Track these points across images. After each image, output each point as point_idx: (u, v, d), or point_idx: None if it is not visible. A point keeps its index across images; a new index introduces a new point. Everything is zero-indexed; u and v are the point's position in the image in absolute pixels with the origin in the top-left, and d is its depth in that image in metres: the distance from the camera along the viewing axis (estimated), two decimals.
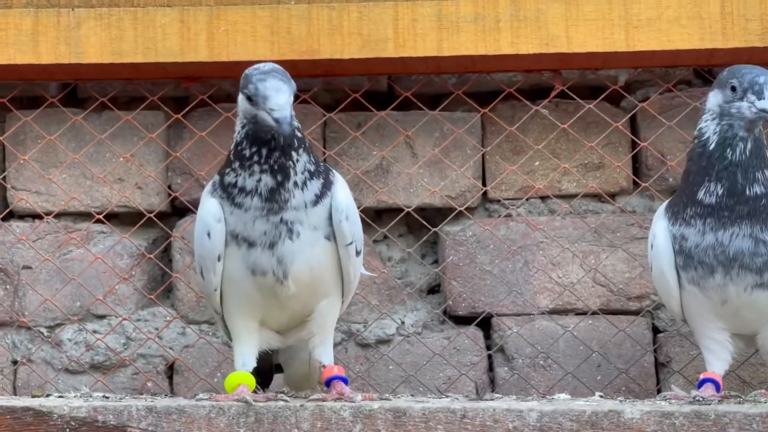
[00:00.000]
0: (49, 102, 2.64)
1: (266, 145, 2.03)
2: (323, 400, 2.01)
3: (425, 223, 2.66)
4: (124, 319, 2.65)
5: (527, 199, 2.69)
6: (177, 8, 2.52)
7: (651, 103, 2.64)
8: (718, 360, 2.19)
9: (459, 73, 2.65)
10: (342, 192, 2.11)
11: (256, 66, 2.08)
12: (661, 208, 2.24)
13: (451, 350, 2.64)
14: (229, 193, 2.07)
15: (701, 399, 2.03)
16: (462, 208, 2.64)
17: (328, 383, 2.12)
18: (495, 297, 2.65)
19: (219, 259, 2.09)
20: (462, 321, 2.67)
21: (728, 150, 2.11)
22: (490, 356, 2.67)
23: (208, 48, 2.51)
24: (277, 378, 2.43)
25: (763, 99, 2.07)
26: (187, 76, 2.60)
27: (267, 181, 2.03)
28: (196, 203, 2.57)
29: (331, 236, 2.10)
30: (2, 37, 2.52)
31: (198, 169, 2.65)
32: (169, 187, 2.70)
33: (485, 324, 2.67)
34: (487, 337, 2.68)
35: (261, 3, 2.53)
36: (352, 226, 2.12)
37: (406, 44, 2.50)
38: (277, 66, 2.07)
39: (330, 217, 2.09)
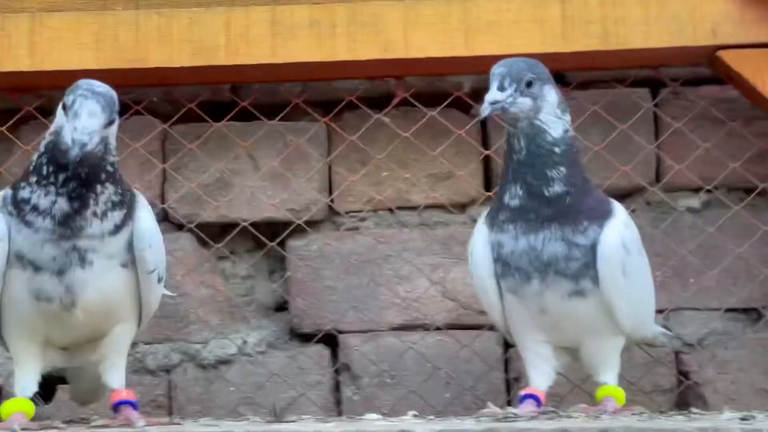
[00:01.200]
0: None
1: (63, 171, 1.87)
2: (107, 427, 1.89)
3: (266, 238, 2.55)
4: None
5: (376, 212, 2.60)
6: None
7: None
8: (540, 375, 2.09)
9: (299, 82, 2.55)
10: (145, 220, 1.97)
11: (93, 81, 1.93)
12: (483, 215, 2.13)
13: (295, 369, 2.54)
14: (20, 209, 1.90)
15: (512, 416, 1.94)
16: (301, 222, 2.55)
17: (116, 407, 1.99)
18: (341, 313, 2.55)
19: None
20: (308, 339, 2.57)
21: (513, 150, 2.02)
22: (336, 375, 2.56)
23: (29, 57, 2.39)
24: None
25: (491, 90, 1.98)
26: (11, 86, 2.47)
27: (62, 205, 1.88)
28: None
29: (129, 263, 1.96)
30: None
31: None
32: None
33: (332, 342, 2.57)
34: (334, 355, 2.58)
35: (86, 9, 2.41)
36: (154, 254, 1.98)
37: (239, 51, 2.39)
38: (111, 92, 1.91)
39: (129, 245, 1.95)
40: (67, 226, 1.88)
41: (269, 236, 2.57)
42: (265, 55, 2.40)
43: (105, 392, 2.09)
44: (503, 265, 2.04)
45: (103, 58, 2.39)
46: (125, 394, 1.99)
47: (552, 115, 2.01)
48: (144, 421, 1.92)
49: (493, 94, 1.97)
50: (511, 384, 2.55)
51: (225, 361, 2.56)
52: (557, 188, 1.99)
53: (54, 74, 2.40)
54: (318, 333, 2.55)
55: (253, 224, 2.55)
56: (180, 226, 2.58)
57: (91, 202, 1.89)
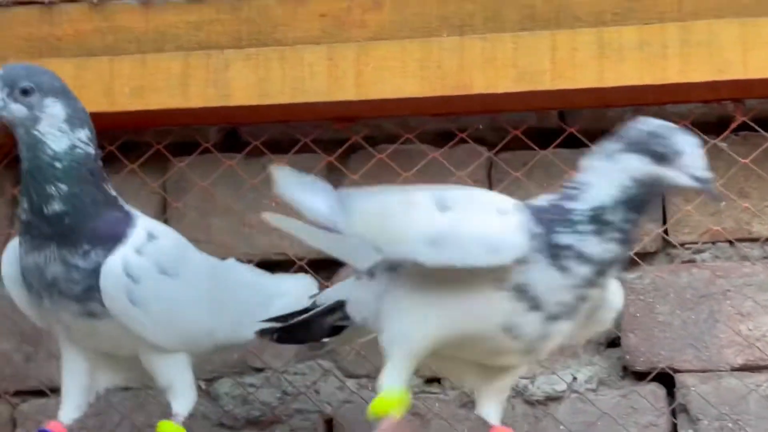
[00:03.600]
0: (203, 147, 2.56)
1: None
2: None
3: None
4: (281, 372, 2.54)
5: (713, 243, 2.44)
6: (324, 45, 2.40)
7: None
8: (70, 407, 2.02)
9: (627, 106, 2.42)
10: None
11: None
12: None
13: (627, 409, 2.41)
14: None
15: None
16: (632, 254, 2.40)
17: None
18: (677, 351, 2.41)
19: None
20: (641, 377, 2.44)
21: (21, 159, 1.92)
22: (672, 417, 2.42)
23: (356, 86, 2.38)
24: None
25: None
26: (337, 116, 2.47)
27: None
28: None
29: None
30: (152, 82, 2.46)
31: None
32: None
33: (668, 381, 2.43)
34: (670, 395, 2.44)
35: (411, 37, 2.39)
36: None
37: (565, 75, 2.30)
38: None
39: None
40: None
41: None
42: (592, 80, 2.29)
43: None
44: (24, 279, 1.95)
45: (428, 85, 2.35)
46: None
47: (55, 128, 1.89)
48: None
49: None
50: None
51: (554, 398, 2.46)
52: (56, 206, 1.87)
53: (379, 103, 2.38)
54: (652, 371, 2.42)
55: None
56: None
57: None
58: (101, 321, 1.95)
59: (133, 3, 2.52)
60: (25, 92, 1.91)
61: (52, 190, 1.90)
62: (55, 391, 2.53)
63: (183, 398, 2.06)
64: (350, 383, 2.54)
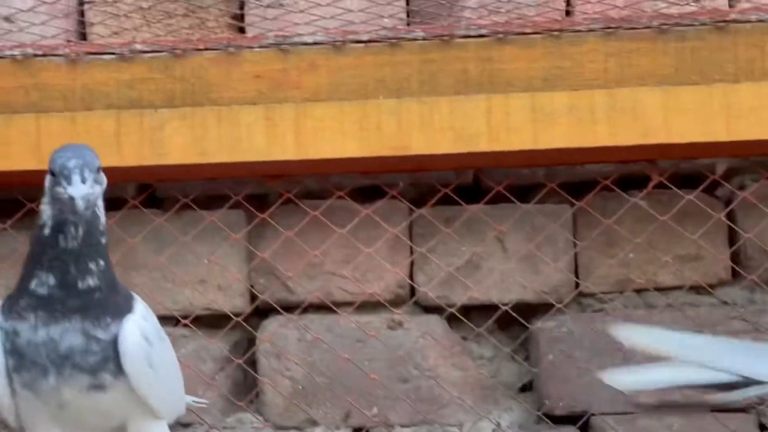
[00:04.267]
0: (130, 204, 2.56)
1: None
2: None
3: (520, 319, 2.57)
4: (212, 427, 2.56)
5: (622, 293, 2.61)
6: (262, 105, 2.45)
7: (750, 192, 2.56)
8: None
9: (551, 166, 2.57)
10: None
11: None
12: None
13: None
14: None
15: None
16: (561, 306, 2.55)
17: None
18: (594, 395, 2.55)
19: None
20: (559, 421, 2.57)
21: (61, 236, 1.89)
22: None
23: (295, 145, 2.43)
24: None
25: (76, 185, 1.85)
26: (272, 174, 2.52)
27: None
28: (281, 303, 2.52)
29: None
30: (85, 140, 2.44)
31: (282, 269, 2.58)
32: (251, 287, 2.62)
33: (584, 425, 2.58)
34: None
35: (348, 98, 2.46)
36: None
37: (500, 138, 2.42)
38: None
39: None
40: None
41: (511, 318, 2.60)
42: (527, 142, 2.42)
43: None
44: (19, 356, 1.92)
45: (367, 146, 2.43)
46: None
47: (101, 203, 1.93)
48: None
49: (79, 188, 1.84)
50: None
51: None
52: (91, 282, 1.90)
53: (317, 162, 2.45)
54: (571, 414, 2.56)
55: (500, 306, 2.57)
56: (430, 309, 2.62)
57: None
58: (106, 394, 1.93)
59: (59, 60, 2.49)
60: (98, 170, 1.89)
61: (92, 265, 1.89)
62: None
63: None
64: None
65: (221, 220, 2.60)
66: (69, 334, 1.88)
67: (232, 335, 2.63)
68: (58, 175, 1.88)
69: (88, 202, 1.87)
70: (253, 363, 2.61)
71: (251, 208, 2.58)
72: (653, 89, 2.42)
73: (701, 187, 2.55)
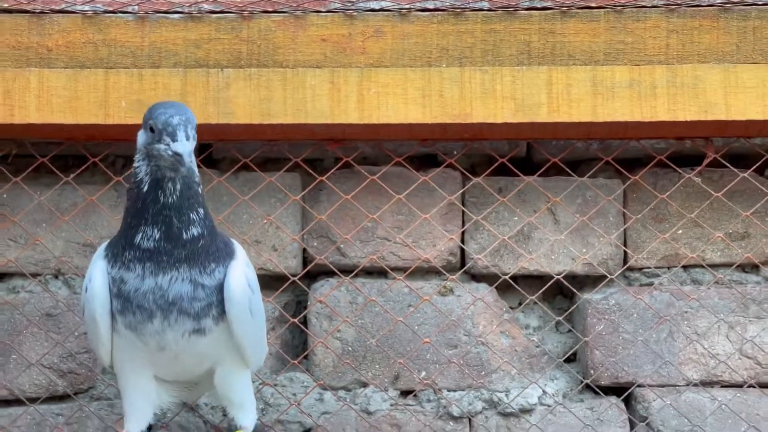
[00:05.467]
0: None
1: None
2: None
3: (572, 288, 2.61)
4: (265, 384, 2.59)
5: (669, 269, 2.65)
6: (327, 69, 2.48)
7: None
8: (137, 420, 2.12)
9: (607, 139, 2.60)
10: None
11: None
12: (101, 249, 2.09)
13: (595, 421, 2.59)
14: None
15: None
16: (614, 276, 2.60)
17: None
18: (639, 367, 2.59)
19: None
20: (603, 391, 2.61)
21: (159, 192, 1.97)
22: (632, 428, 2.61)
23: (358, 110, 2.47)
24: None
25: (181, 141, 1.93)
26: (333, 138, 2.56)
27: None
28: (334, 266, 2.55)
29: None
30: (152, 97, 2.47)
31: (336, 232, 2.62)
32: (304, 250, 2.66)
33: (629, 395, 2.62)
34: (628, 408, 2.63)
35: (412, 65, 2.49)
36: None
37: (560, 109, 2.45)
38: None
39: None
40: None
41: (561, 288, 2.64)
42: (587, 114, 2.45)
43: None
44: (124, 301, 2.02)
45: (429, 112, 2.46)
46: None
47: (195, 156, 2.01)
48: None
49: (185, 145, 1.92)
50: None
51: (527, 410, 2.61)
52: (194, 231, 1.98)
53: (379, 127, 2.48)
54: (615, 385, 2.60)
55: (549, 276, 2.61)
56: (479, 277, 2.66)
57: None
58: (205, 338, 2.03)
59: (128, 18, 2.52)
60: (193, 128, 1.95)
61: (194, 215, 1.97)
62: (20, 402, 2.53)
63: (251, 413, 2.14)
64: (327, 396, 2.62)
65: (278, 182, 2.63)
66: (177, 283, 1.98)
67: (282, 296, 2.67)
68: (161, 131, 1.92)
69: (192, 158, 1.93)
70: (302, 324, 2.65)
71: (310, 170, 2.61)
72: (714, 66, 2.46)
73: (755, 166, 2.58)
